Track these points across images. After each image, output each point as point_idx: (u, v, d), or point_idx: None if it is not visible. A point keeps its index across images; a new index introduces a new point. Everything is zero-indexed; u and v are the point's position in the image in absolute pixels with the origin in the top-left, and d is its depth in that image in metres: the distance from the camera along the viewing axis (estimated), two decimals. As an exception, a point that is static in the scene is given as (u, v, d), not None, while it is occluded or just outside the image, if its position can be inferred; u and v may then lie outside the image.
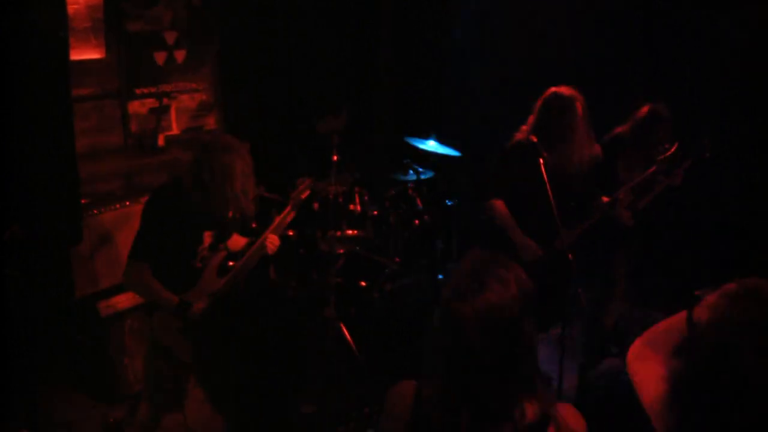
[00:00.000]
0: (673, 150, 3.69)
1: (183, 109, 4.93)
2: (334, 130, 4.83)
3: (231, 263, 3.30)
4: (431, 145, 5.10)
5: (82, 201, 3.88)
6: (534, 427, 1.52)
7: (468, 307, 1.48)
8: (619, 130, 4.27)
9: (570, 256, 3.54)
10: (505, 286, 1.50)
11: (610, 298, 4.62)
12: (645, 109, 4.17)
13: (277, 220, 3.36)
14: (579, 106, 3.61)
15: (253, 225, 3.81)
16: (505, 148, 3.81)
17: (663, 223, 4.92)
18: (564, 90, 3.65)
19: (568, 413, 1.58)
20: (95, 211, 4.00)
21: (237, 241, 3.36)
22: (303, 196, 3.45)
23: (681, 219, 5.19)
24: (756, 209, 4.91)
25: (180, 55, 4.85)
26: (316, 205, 4.74)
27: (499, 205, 3.78)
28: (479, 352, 1.47)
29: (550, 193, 3.53)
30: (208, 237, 3.15)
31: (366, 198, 4.88)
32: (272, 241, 3.31)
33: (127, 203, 4.14)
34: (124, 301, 4.02)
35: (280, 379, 3.48)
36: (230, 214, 3.06)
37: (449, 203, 5.10)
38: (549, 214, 3.68)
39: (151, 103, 4.73)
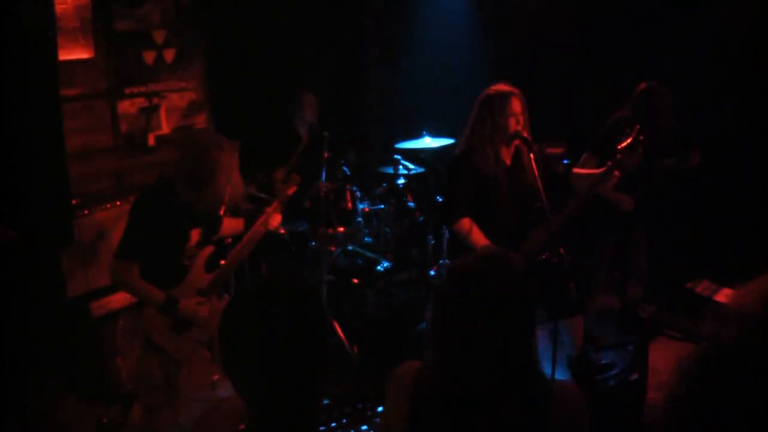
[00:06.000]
0: (633, 136, 3.58)
1: (173, 108, 4.91)
2: (311, 115, 4.84)
3: (222, 262, 3.32)
4: (426, 142, 5.12)
5: (73, 201, 3.87)
6: (526, 412, 1.55)
7: (472, 258, 1.60)
8: (618, 114, 4.29)
9: (562, 250, 3.56)
10: (512, 263, 1.60)
11: (593, 286, 4.65)
12: (642, 86, 4.20)
13: (263, 216, 3.36)
14: (518, 102, 3.55)
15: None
16: (454, 161, 3.73)
17: (657, 214, 4.95)
18: (501, 87, 3.58)
19: (566, 393, 1.62)
20: (86, 212, 3.99)
21: (228, 225, 3.40)
22: (289, 192, 3.46)
23: (676, 212, 5.22)
24: (748, 203, 4.94)
25: (169, 54, 4.83)
26: (307, 204, 4.74)
27: (465, 224, 3.61)
28: (468, 320, 1.53)
29: (540, 186, 3.54)
30: (195, 235, 3.16)
31: (357, 195, 4.89)
32: (265, 224, 3.33)
33: (118, 203, 4.13)
34: (116, 301, 4.01)
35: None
36: (222, 210, 3.08)
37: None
38: (515, 217, 3.67)
39: (140, 102, 4.71)
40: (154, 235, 2.98)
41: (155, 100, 4.79)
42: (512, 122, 3.54)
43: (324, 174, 4.53)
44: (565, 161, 4.46)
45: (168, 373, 3.15)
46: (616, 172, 3.60)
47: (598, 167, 3.98)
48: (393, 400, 1.70)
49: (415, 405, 1.63)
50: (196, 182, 2.95)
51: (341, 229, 4.73)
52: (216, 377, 3.28)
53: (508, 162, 3.67)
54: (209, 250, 3.19)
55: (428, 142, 5.12)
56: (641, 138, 3.55)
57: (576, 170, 3.90)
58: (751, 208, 4.82)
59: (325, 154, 4.49)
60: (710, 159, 4.87)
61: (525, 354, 1.57)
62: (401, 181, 5.03)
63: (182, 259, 3.12)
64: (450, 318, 1.56)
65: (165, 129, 4.86)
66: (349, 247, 4.88)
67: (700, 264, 4.50)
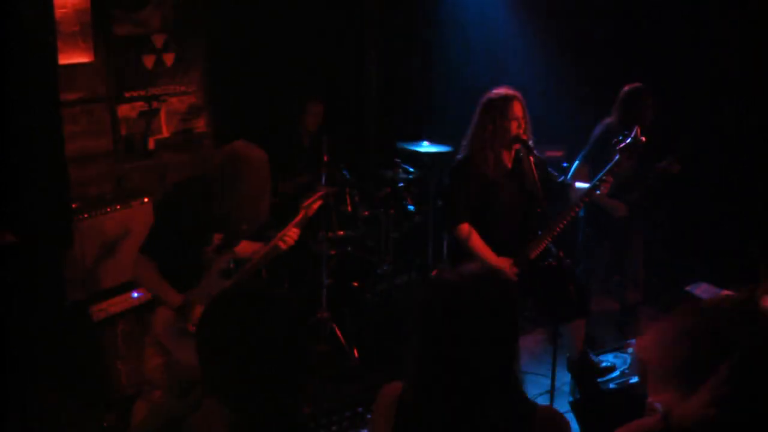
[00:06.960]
0: (632, 136, 3.54)
1: (173, 111, 4.91)
2: (314, 125, 4.82)
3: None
4: (425, 145, 5.12)
5: (73, 205, 3.88)
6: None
7: (457, 274, 1.57)
8: (607, 120, 4.30)
9: (561, 252, 3.54)
10: (486, 286, 1.55)
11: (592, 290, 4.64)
12: (626, 90, 4.23)
13: (285, 229, 3.30)
14: (519, 106, 3.54)
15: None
16: (456, 165, 3.72)
17: (655, 217, 4.95)
18: (503, 91, 3.57)
19: (548, 419, 1.60)
20: (86, 215, 3.99)
21: (245, 248, 3.37)
22: (315, 206, 3.37)
23: (674, 213, 5.22)
24: (747, 204, 4.93)
25: (169, 58, 4.84)
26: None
27: (464, 229, 3.61)
28: (450, 337, 1.52)
29: (540, 189, 3.53)
30: (216, 238, 3.14)
31: (357, 198, 4.89)
32: (288, 239, 3.30)
33: (118, 207, 4.12)
34: (116, 305, 4.00)
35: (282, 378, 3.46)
36: (244, 227, 3.08)
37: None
38: (516, 220, 3.66)
39: (140, 106, 4.72)
40: (178, 235, 2.98)
41: (155, 104, 4.80)
42: (513, 126, 3.53)
43: (324, 178, 4.52)
44: (565, 164, 4.46)
45: (172, 375, 3.14)
46: (610, 178, 3.59)
47: (591, 175, 3.99)
48: (377, 421, 1.70)
49: (398, 426, 1.63)
50: (225, 198, 2.94)
51: (341, 232, 4.73)
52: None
53: (509, 166, 3.67)
54: (226, 257, 3.17)
55: (426, 145, 5.13)
56: (643, 139, 3.54)
57: (576, 184, 3.92)
58: (751, 209, 4.82)
59: (325, 158, 4.49)
60: (710, 159, 4.88)
61: (508, 375, 1.56)
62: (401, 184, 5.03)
63: (200, 261, 3.11)
64: (431, 335, 1.55)
65: (165, 133, 4.87)
66: (349, 251, 4.88)
67: (698, 266, 4.52)
